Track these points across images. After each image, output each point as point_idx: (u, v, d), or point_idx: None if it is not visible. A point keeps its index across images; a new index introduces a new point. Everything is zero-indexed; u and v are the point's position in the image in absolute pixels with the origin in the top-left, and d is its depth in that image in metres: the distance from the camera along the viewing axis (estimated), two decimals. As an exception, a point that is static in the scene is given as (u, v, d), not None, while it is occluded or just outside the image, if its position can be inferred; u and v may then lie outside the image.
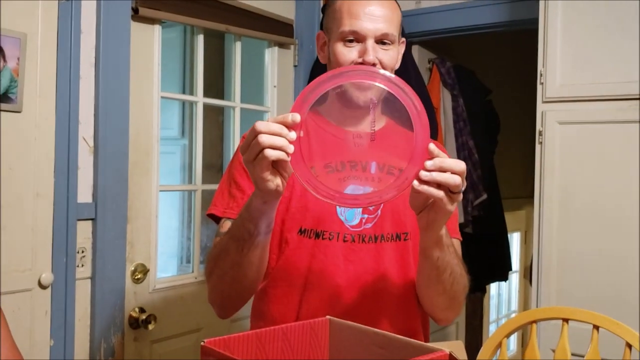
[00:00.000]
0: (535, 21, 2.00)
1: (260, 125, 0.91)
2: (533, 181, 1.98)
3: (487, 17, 2.41)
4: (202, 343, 0.79)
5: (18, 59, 1.60)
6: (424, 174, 0.91)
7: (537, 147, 1.97)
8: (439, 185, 0.93)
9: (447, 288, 1.15)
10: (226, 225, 1.21)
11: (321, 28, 1.33)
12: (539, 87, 1.97)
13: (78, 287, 1.78)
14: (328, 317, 0.95)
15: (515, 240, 4.46)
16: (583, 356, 1.45)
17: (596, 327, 1.42)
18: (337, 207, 1.23)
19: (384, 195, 0.94)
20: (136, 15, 1.90)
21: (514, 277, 4.59)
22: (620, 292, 1.81)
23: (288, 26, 2.42)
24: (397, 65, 1.30)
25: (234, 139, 2.31)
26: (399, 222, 1.26)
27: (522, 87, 3.29)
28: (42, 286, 1.68)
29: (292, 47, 2.47)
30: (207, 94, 2.23)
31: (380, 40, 1.21)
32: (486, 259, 3.11)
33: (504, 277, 3.53)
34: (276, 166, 0.94)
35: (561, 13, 1.92)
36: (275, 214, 1.07)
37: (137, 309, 1.94)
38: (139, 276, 1.94)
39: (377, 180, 0.99)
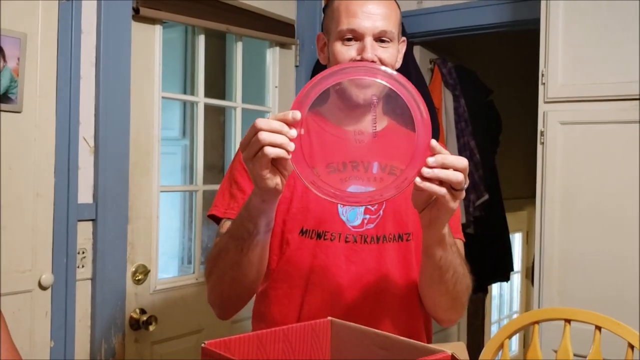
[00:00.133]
0: (536, 21, 2.00)
1: (260, 122, 0.90)
2: (535, 181, 1.97)
3: (488, 17, 2.40)
4: (202, 345, 0.79)
5: (18, 59, 1.60)
6: (426, 171, 0.90)
7: (539, 147, 1.97)
8: (441, 182, 0.92)
9: (449, 288, 1.14)
10: (226, 225, 1.20)
11: (322, 29, 1.33)
12: (540, 87, 1.97)
13: (78, 288, 1.77)
14: (329, 318, 0.94)
15: (517, 240, 4.45)
16: (585, 357, 1.44)
17: (598, 328, 1.42)
18: (339, 207, 1.22)
19: (385, 193, 0.93)
20: (137, 15, 1.89)
21: (516, 278, 4.58)
22: (622, 293, 1.81)
23: (289, 26, 2.42)
24: (398, 65, 1.29)
25: (235, 140, 2.31)
26: (401, 223, 1.25)
27: (524, 87, 3.29)
28: (42, 287, 1.68)
29: (293, 47, 2.47)
30: (208, 94, 2.23)
31: (379, 38, 1.20)
32: (488, 260, 3.10)
33: (505, 277, 3.53)
34: (276, 164, 0.93)
35: (563, 13, 1.92)
36: (274, 212, 1.06)
37: (137, 310, 1.94)
38: (140, 277, 1.94)
39: (379, 180, 0.98)
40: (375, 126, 1.07)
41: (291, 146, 0.90)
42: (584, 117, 1.90)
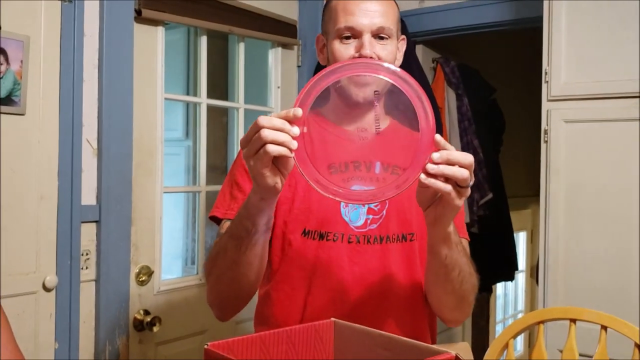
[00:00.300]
0: (539, 19, 1.99)
1: (262, 120, 0.89)
2: (538, 180, 1.97)
3: (491, 15, 2.40)
4: (205, 346, 0.78)
5: (21, 61, 1.60)
6: (431, 167, 0.89)
7: (543, 145, 1.96)
8: (446, 179, 0.91)
9: (456, 287, 1.12)
10: (226, 226, 1.19)
11: (321, 31, 1.33)
12: (543, 85, 1.96)
13: (82, 289, 1.78)
14: (333, 319, 0.94)
15: (521, 239, 4.44)
16: (591, 356, 1.43)
17: (604, 328, 1.41)
18: (342, 208, 1.22)
19: (387, 191, 0.92)
20: (139, 17, 1.89)
21: (520, 277, 4.56)
22: (628, 292, 1.80)
23: (291, 27, 2.42)
24: (399, 63, 1.28)
25: (238, 140, 2.30)
26: (404, 222, 1.24)
27: (527, 85, 3.28)
28: (46, 289, 1.68)
29: (295, 47, 2.46)
30: (210, 95, 2.23)
31: (377, 35, 1.19)
32: (492, 259, 3.09)
33: (510, 276, 3.51)
34: (277, 163, 0.92)
35: (565, 11, 1.91)
36: (273, 211, 1.05)
37: (141, 311, 1.94)
38: (144, 278, 1.94)
39: (382, 180, 0.97)
40: (378, 124, 1.06)
41: (294, 144, 0.89)
42: (588, 115, 1.89)
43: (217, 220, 1.27)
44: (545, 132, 1.95)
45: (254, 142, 0.90)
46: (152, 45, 1.98)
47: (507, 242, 3.37)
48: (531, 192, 3.39)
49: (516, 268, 3.51)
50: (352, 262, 1.21)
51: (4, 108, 1.57)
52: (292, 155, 0.90)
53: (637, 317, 1.71)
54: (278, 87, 2.44)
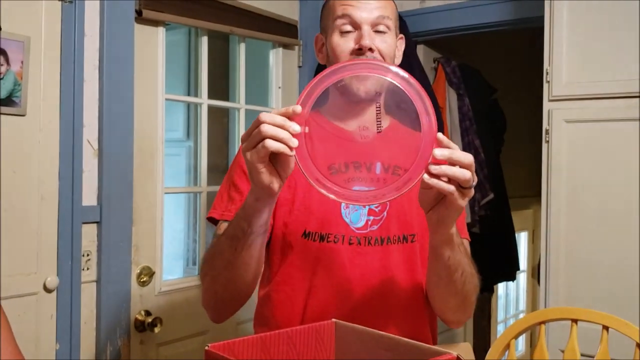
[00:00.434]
0: (540, 19, 1.99)
1: (264, 115, 0.89)
2: (540, 180, 1.96)
3: (492, 15, 2.39)
4: (206, 347, 0.78)
5: (22, 62, 1.60)
6: (433, 168, 0.88)
7: (544, 145, 1.96)
8: (449, 179, 0.90)
9: (458, 288, 1.12)
10: (223, 227, 1.19)
11: (320, 31, 1.33)
12: (545, 85, 1.96)
13: (83, 290, 1.78)
14: (334, 319, 0.94)
15: (522, 239, 4.44)
16: (592, 357, 1.43)
17: (606, 328, 1.41)
18: (342, 209, 1.21)
19: (387, 193, 0.92)
20: (140, 18, 1.89)
21: (522, 277, 4.56)
22: (630, 292, 1.80)
23: (292, 27, 2.42)
24: (398, 61, 1.28)
25: (239, 141, 2.30)
26: (405, 224, 1.24)
27: (528, 85, 3.28)
28: (47, 290, 1.68)
29: (296, 48, 2.46)
30: (211, 95, 2.23)
31: (376, 27, 1.20)
32: (494, 259, 3.09)
33: (511, 276, 3.51)
34: (275, 163, 0.92)
35: (567, 11, 1.91)
36: (269, 215, 1.04)
37: (143, 312, 1.94)
38: (145, 279, 1.94)
39: (382, 181, 0.97)
40: (380, 122, 1.05)
41: (293, 142, 0.88)
42: (589, 115, 1.89)
43: (214, 222, 1.26)
44: (547, 132, 1.95)
45: (254, 136, 0.90)
46: (153, 46, 1.98)
47: (509, 242, 3.36)
48: (532, 192, 3.38)
49: (517, 268, 3.50)
50: (353, 264, 1.21)
51: (5, 109, 1.57)
52: (292, 153, 0.90)
53: (639, 318, 1.71)
54: (279, 88, 2.44)
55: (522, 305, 4.70)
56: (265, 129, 0.88)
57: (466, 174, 0.90)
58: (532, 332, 3.58)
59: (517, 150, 3.77)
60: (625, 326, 1.38)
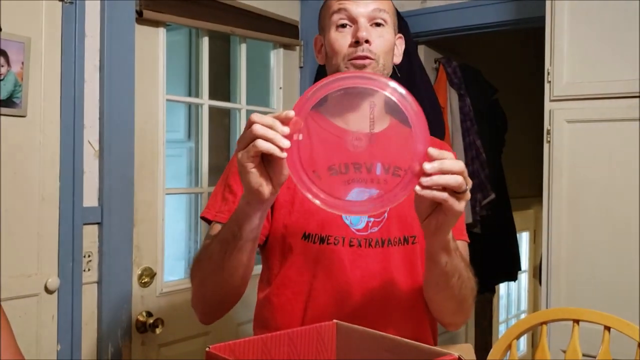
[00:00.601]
0: (541, 19, 1.99)
1: (255, 116, 0.90)
2: (541, 180, 1.96)
3: (492, 15, 2.39)
4: (207, 349, 0.78)
5: (22, 63, 1.60)
6: (424, 180, 0.89)
7: (545, 145, 1.96)
8: (443, 187, 0.90)
9: (455, 292, 1.12)
10: (216, 228, 1.18)
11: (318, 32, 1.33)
12: (546, 85, 1.96)
13: (85, 291, 1.78)
14: (335, 321, 0.93)
15: (524, 239, 4.43)
16: (594, 357, 1.43)
17: (607, 328, 1.41)
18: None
19: (386, 203, 0.92)
20: (140, 18, 1.89)
21: (523, 277, 4.56)
22: (631, 292, 1.79)
23: (293, 27, 2.42)
24: (398, 60, 1.28)
25: (240, 141, 2.30)
26: (406, 225, 1.23)
27: (529, 85, 3.27)
28: (48, 291, 1.68)
29: (297, 48, 2.46)
30: (212, 96, 2.23)
31: (373, 21, 1.20)
32: (495, 259, 3.09)
33: (513, 277, 3.51)
34: (269, 166, 0.92)
35: (568, 11, 1.91)
36: (260, 222, 1.03)
37: (144, 313, 1.94)
38: (146, 280, 1.94)
39: (383, 182, 0.96)
40: (373, 121, 1.04)
41: (284, 143, 0.88)
42: (591, 115, 1.89)
43: (208, 222, 1.26)
44: (548, 132, 1.95)
45: (245, 137, 0.90)
46: (154, 47, 1.98)
47: (510, 242, 3.36)
48: (534, 193, 3.38)
49: (519, 268, 3.50)
50: (354, 266, 1.20)
51: (5, 110, 1.57)
52: (284, 155, 0.89)
53: (641, 318, 1.71)
54: (280, 88, 2.44)
55: (524, 305, 4.70)
56: (256, 128, 0.88)
57: (458, 179, 0.90)
58: (533, 333, 3.57)
59: (518, 151, 3.77)
60: (626, 326, 1.38)
